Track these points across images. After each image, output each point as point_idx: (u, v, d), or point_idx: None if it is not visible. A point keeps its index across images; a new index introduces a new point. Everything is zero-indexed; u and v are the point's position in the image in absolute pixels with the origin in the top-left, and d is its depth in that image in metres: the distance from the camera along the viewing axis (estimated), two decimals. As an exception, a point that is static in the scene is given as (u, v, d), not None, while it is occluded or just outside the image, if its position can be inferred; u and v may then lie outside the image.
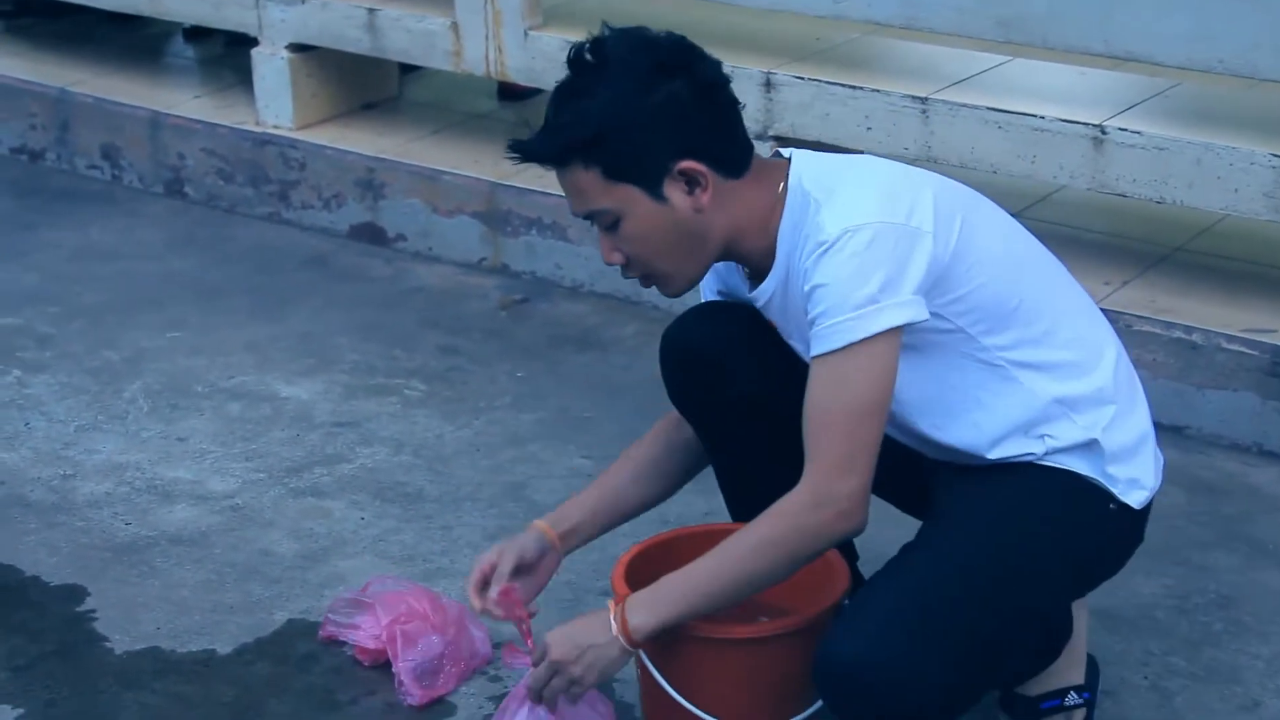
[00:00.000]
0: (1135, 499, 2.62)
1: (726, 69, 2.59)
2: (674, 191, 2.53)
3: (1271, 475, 3.64)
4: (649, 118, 2.49)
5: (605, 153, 2.50)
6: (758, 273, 2.64)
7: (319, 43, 5.01)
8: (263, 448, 3.83)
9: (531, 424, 3.91)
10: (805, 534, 2.48)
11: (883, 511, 2.90)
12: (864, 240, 2.44)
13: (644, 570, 2.73)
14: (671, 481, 2.88)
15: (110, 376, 4.16)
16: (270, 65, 5.05)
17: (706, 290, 2.81)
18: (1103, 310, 2.77)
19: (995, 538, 2.55)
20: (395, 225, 4.84)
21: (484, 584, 2.74)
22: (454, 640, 3.00)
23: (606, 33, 2.55)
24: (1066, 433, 2.58)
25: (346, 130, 5.05)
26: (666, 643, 2.57)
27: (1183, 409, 3.77)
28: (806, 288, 2.48)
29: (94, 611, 3.25)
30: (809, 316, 2.48)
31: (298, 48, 5.04)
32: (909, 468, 2.73)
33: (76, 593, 3.31)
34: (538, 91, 4.82)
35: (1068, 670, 2.78)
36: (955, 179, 2.68)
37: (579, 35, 2.58)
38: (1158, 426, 2.75)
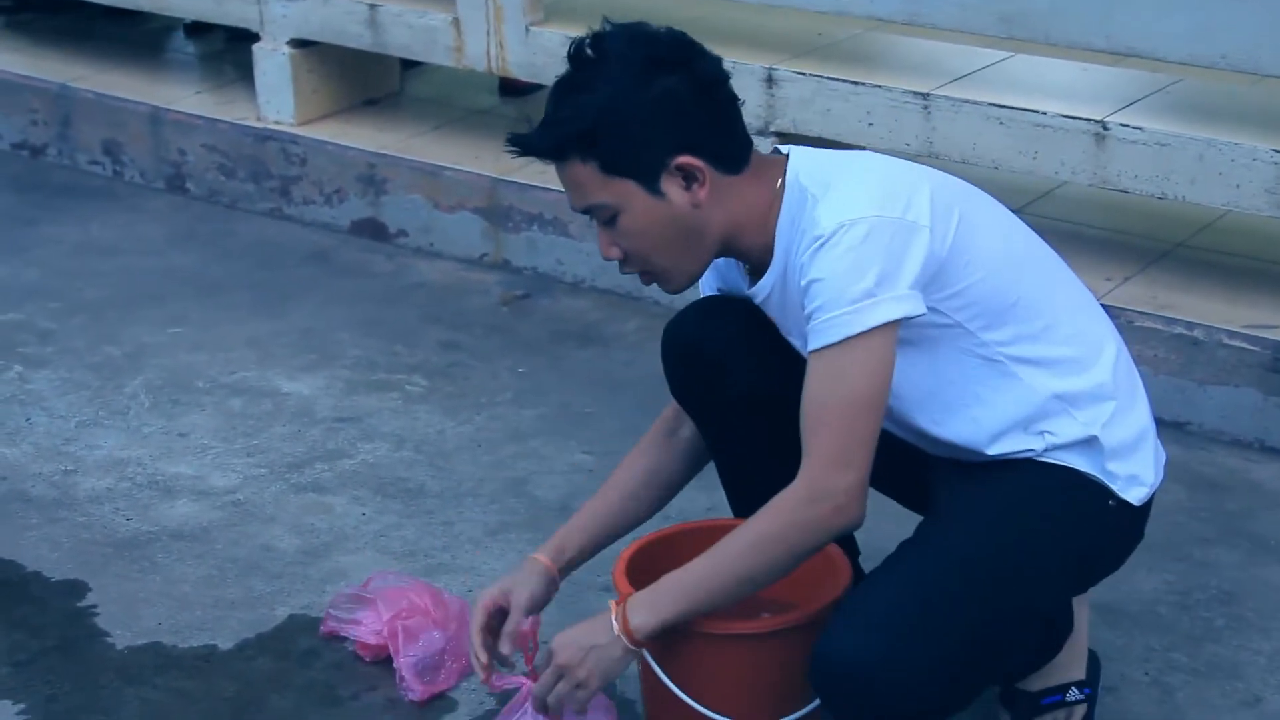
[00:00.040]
0: (1135, 495, 2.61)
1: (728, 64, 2.59)
2: (671, 187, 2.54)
3: (1273, 471, 3.64)
4: (646, 112, 2.50)
5: (602, 147, 2.51)
6: (757, 269, 2.64)
7: (320, 38, 5.01)
8: (264, 443, 3.83)
9: (533, 419, 3.91)
10: (802, 529, 2.47)
11: (885, 507, 2.90)
12: (859, 234, 2.44)
13: (645, 565, 2.73)
14: (669, 491, 2.88)
15: (111, 372, 4.16)
16: (271, 61, 5.05)
17: (705, 287, 2.81)
18: (1104, 306, 2.77)
19: (994, 534, 2.55)
20: (397, 221, 4.84)
21: (488, 623, 2.72)
22: (455, 636, 3.00)
23: (607, 28, 2.55)
24: (1066, 429, 2.58)
25: (348, 126, 5.05)
26: (668, 639, 2.57)
27: (1184, 405, 3.77)
28: (803, 282, 2.48)
29: (95, 607, 3.26)
30: (805, 311, 2.48)
31: (299, 43, 5.04)
32: (910, 463, 2.73)
33: (78, 588, 3.31)
34: (539, 87, 4.82)
35: (1069, 666, 2.78)
36: (957, 175, 2.68)
37: (580, 31, 2.58)
38: (1159, 423, 2.75)
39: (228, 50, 5.70)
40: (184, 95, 5.34)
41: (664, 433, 2.87)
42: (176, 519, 3.54)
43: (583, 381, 4.08)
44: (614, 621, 2.54)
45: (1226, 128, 3.82)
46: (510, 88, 5.20)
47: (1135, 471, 2.61)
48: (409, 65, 5.29)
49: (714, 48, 2.59)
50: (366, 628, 3.04)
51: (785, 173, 2.57)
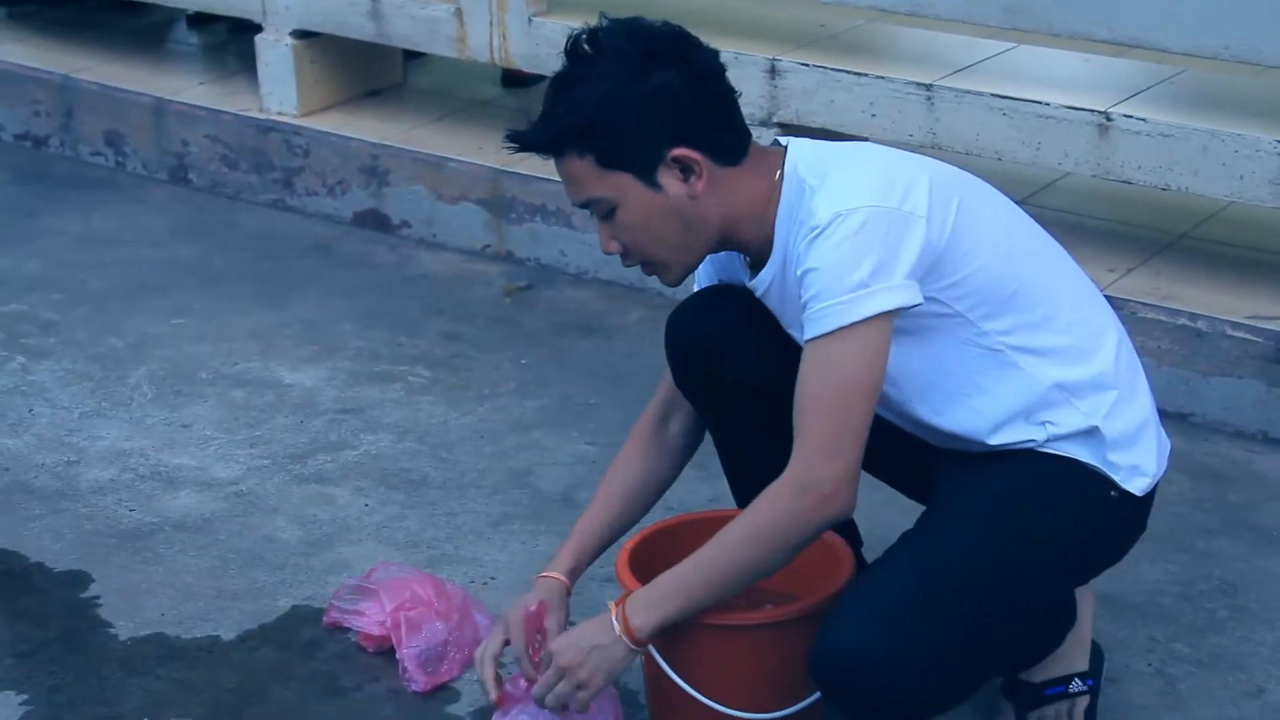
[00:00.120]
0: (1137, 486, 2.61)
1: (730, 56, 2.60)
2: (668, 179, 2.54)
3: (1276, 462, 3.64)
4: (643, 106, 2.50)
5: (599, 140, 2.51)
6: (757, 261, 2.64)
7: (323, 29, 5.01)
8: (267, 434, 3.83)
9: (535, 410, 3.91)
10: (793, 519, 2.47)
11: (888, 498, 2.90)
12: (855, 224, 2.44)
13: (647, 557, 2.73)
14: (662, 492, 2.88)
15: (114, 363, 4.16)
16: (274, 52, 5.04)
17: (702, 279, 2.81)
18: (1107, 297, 2.77)
19: (995, 525, 2.55)
20: (399, 212, 4.84)
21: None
22: (458, 627, 3.00)
23: (603, 23, 2.56)
24: (1067, 419, 2.58)
25: (351, 117, 5.05)
26: (671, 630, 2.57)
27: (1187, 396, 3.77)
28: (799, 272, 2.49)
29: (98, 598, 3.26)
30: (801, 301, 2.49)
31: (302, 34, 5.04)
32: (911, 453, 2.73)
33: (81, 579, 3.31)
34: (542, 78, 4.81)
35: (1072, 657, 2.78)
36: (959, 166, 2.68)
37: (583, 21, 2.59)
38: (1162, 414, 2.74)
39: (230, 41, 5.70)
40: (187, 86, 5.34)
41: (652, 433, 2.85)
42: (179, 510, 3.54)
43: (585, 373, 4.08)
44: (614, 622, 2.54)
45: (1230, 119, 3.82)
46: (513, 79, 5.20)
47: (1137, 462, 2.61)
48: (411, 56, 5.29)
49: (717, 39, 2.59)
50: (369, 619, 3.05)
51: (784, 164, 2.57)
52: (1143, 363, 2.72)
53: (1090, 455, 2.58)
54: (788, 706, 2.65)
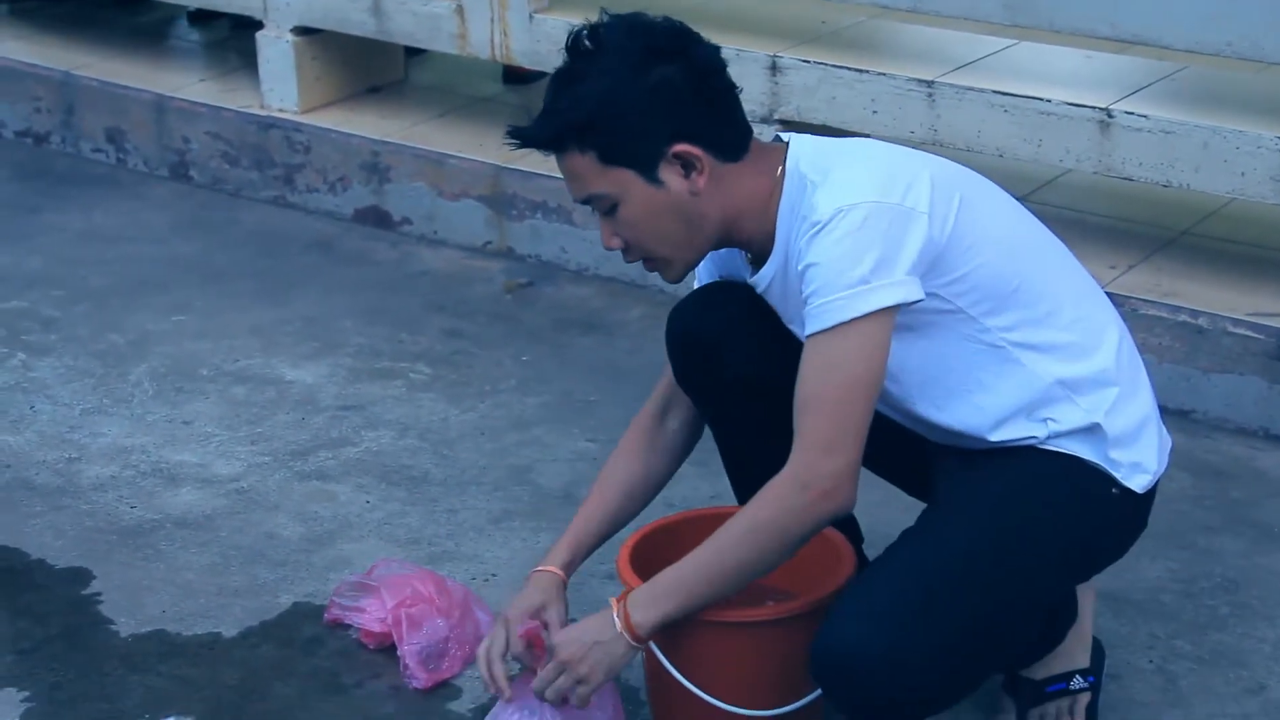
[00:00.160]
0: (1138, 483, 2.61)
1: (732, 52, 2.60)
2: (670, 175, 2.54)
3: (1277, 459, 3.64)
4: (644, 102, 2.50)
5: (600, 136, 2.51)
6: (759, 258, 2.64)
7: (324, 26, 5.01)
8: (268, 431, 3.83)
9: (536, 407, 3.91)
10: (792, 515, 2.47)
11: (889, 496, 2.90)
12: (857, 220, 2.44)
13: (648, 554, 2.73)
14: (659, 488, 2.87)
15: (115, 360, 4.16)
16: (275, 48, 5.04)
17: (704, 276, 2.81)
18: (1108, 294, 2.77)
19: (996, 523, 2.55)
20: (400, 209, 4.83)
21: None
22: (459, 624, 3.00)
23: (604, 18, 2.56)
24: (1069, 416, 2.57)
25: (351, 113, 5.05)
26: (672, 627, 2.57)
27: (1188, 393, 3.77)
28: (800, 267, 2.49)
29: (99, 595, 3.26)
30: (803, 296, 2.48)
31: (303, 31, 5.03)
32: (912, 450, 2.73)
33: (82, 576, 3.31)
34: (543, 75, 4.80)
35: (1073, 654, 2.78)
36: (961, 163, 2.68)
37: (583, 18, 2.60)
38: (1163, 410, 2.74)
39: (231, 38, 5.69)
40: (188, 83, 5.34)
41: (651, 429, 2.84)
42: (180, 507, 3.54)
43: (586, 369, 4.08)
44: (616, 618, 2.54)
45: (1231, 115, 3.81)
46: (514, 75, 5.19)
47: (1138, 459, 2.61)
48: (413, 53, 5.29)
49: (718, 35, 2.59)
50: (370, 615, 3.05)
51: (785, 160, 2.57)
52: (1144, 359, 2.72)
53: (1091, 452, 2.58)
54: (788, 704, 2.65)
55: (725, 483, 2.94)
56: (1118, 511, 2.63)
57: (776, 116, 4.25)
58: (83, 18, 5.87)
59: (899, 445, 2.71)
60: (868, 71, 4.15)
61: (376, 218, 4.87)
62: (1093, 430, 2.57)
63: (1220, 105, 3.89)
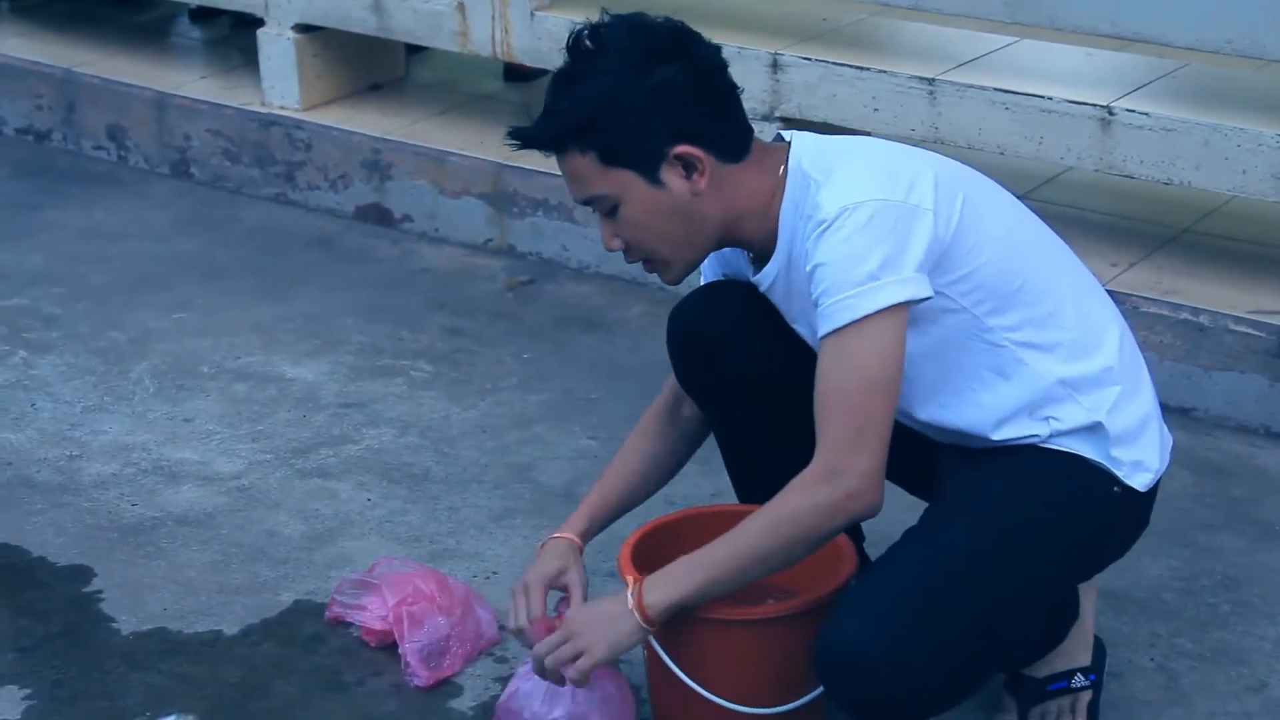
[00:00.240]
0: (1140, 482, 2.61)
1: (733, 50, 2.60)
2: (671, 176, 2.53)
3: (1278, 457, 3.64)
4: (645, 102, 2.50)
5: (601, 137, 2.51)
6: (761, 257, 2.63)
7: (325, 23, 5.01)
8: (269, 429, 3.83)
9: (537, 405, 3.91)
10: (818, 510, 2.46)
11: (891, 495, 2.89)
12: (863, 218, 2.44)
13: (650, 552, 2.73)
14: (675, 471, 2.89)
15: (116, 357, 4.16)
16: (276, 46, 5.04)
17: (707, 275, 2.81)
18: (1109, 292, 2.77)
19: (998, 522, 2.55)
20: (401, 206, 4.83)
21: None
22: (460, 621, 3.00)
23: (605, 18, 2.55)
24: (1071, 414, 2.57)
25: (353, 111, 5.05)
26: (674, 624, 2.57)
27: (1190, 391, 3.77)
28: (808, 268, 2.48)
29: (100, 592, 3.26)
30: (812, 297, 2.48)
31: (304, 28, 5.03)
32: (915, 450, 2.72)
33: (83, 573, 3.32)
34: (544, 72, 4.81)
35: (1074, 652, 2.78)
36: (962, 160, 2.68)
37: (584, 16, 2.59)
38: (1164, 408, 2.74)
39: (233, 35, 5.70)
40: (189, 80, 5.34)
41: (667, 415, 2.86)
42: (181, 504, 3.54)
43: (587, 367, 4.08)
44: (629, 597, 2.54)
45: (1232, 113, 3.81)
46: (515, 73, 5.19)
47: (1140, 457, 2.61)
48: (414, 50, 5.29)
49: (719, 34, 2.59)
50: (372, 613, 3.05)
51: (787, 159, 2.57)
52: (1145, 357, 2.72)
53: (1093, 451, 2.58)
54: (789, 702, 2.65)
55: (726, 481, 2.94)
56: (1119, 510, 2.63)
57: (777, 114, 4.25)
58: (84, 15, 5.87)
59: (901, 444, 2.70)
60: (869, 69, 4.15)
61: (377, 215, 4.87)
62: (1095, 429, 2.57)
63: (1221, 103, 3.89)
